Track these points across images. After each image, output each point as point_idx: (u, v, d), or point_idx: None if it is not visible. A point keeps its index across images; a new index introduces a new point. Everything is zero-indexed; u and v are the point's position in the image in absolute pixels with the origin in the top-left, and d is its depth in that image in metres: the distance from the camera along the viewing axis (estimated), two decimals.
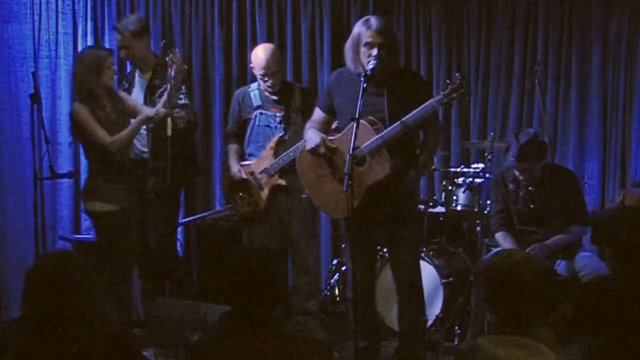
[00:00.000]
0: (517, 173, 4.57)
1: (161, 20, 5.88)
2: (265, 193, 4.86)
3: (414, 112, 3.91)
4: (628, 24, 5.82)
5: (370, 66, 3.93)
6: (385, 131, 3.93)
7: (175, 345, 4.01)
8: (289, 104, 4.85)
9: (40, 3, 5.72)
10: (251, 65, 4.91)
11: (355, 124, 3.81)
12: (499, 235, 4.70)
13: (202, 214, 5.46)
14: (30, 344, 2.39)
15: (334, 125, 4.34)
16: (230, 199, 5.09)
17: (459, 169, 5.52)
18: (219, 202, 5.95)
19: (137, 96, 4.95)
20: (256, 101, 4.90)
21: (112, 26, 5.32)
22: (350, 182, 3.72)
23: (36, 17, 5.72)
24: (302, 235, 4.88)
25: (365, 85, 3.86)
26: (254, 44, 5.95)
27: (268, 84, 4.80)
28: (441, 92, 3.93)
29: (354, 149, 3.86)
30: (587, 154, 5.90)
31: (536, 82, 5.56)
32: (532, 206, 4.62)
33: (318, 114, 4.26)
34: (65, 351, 2.38)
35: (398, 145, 3.96)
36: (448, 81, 3.96)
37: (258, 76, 4.84)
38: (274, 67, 4.77)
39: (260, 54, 4.80)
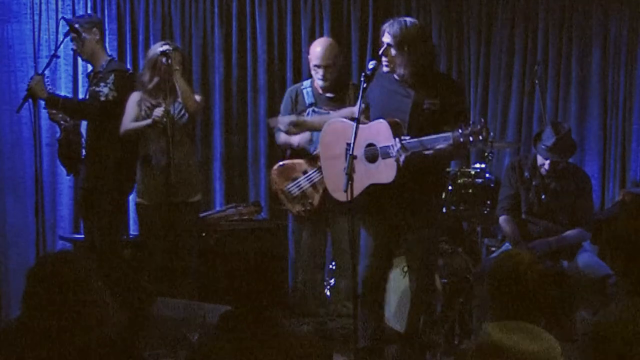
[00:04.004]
0: (540, 162, 4.57)
1: (161, 20, 5.87)
2: (319, 193, 4.79)
3: (428, 138, 3.83)
4: (628, 24, 5.83)
5: (371, 66, 3.97)
6: (415, 140, 3.86)
7: (175, 345, 4.01)
8: (342, 102, 4.81)
9: (40, 3, 5.72)
10: (308, 56, 4.95)
11: (355, 124, 3.81)
12: (502, 219, 4.71)
13: (202, 214, 5.45)
14: (30, 344, 2.39)
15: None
16: (281, 200, 4.97)
17: (459, 169, 5.52)
18: (219, 202, 5.95)
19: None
20: (309, 99, 4.90)
21: (66, 20, 5.31)
22: (350, 183, 3.73)
23: (36, 17, 5.71)
24: (346, 239, 4.84)
25: (365, 85, 3.88)
26: (254, 44, 5.97)
27: (319, 75, 4.81)
28: (460, 130, 3.78)
29: (370, 145, 3.92)
30: (587, 154, 5.91)
31: (536, 82, 5.57)
32: (543, 197, 4.64)
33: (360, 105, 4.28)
34: (66, 352, 2.38)
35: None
36: (472, 122, 3.89)
37: (312, 67, 4.87)
38: (327, 60, 4.78)
39: (317, 46, 4.87)
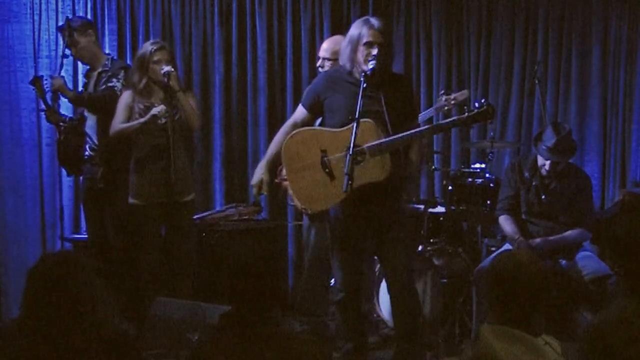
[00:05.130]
0: (541, 163, 4.58)
1: (161, 20, 5.87)
2: None
3: (447, 121, 3.94)
4: (628, 24, 5.83)
5: (371, 66, 3.92)
6: (403, 134, 3.89)
7: (175, 345, 4.01)
8: None
9: (40, 3, 5.72)
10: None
11: (355, 124, 3.80)
12: (502, 219, 4.72)
13: (202, 214, 5.46)
14: (30, 344, 2.39)
15: (317, 122, 4.33)
16: (291, 195, 4.99)
17: (459, 169, 5.51)
18: (219, 202, 5.96)
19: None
20: None
21: (57, 28, 5.33)
22: (350, 183, 3.72)
23: (36, 17, 5.71)
24: None
25: (365, 85, 3.86)
26: (254, 44, 5.98)
27: (319, 69, 4.83)
28: (465, 112, 3.88)
29: (355, 146, 3.87)
30: (587, 154, 5.91)
31: (536, 82, 5.57)
32: (543, 197, 4.64)
33: (301, 111, 4.23)
34: (65, 352, 2.38)
35: (398, 150, 3.96)
36: (477, 104, 3.95)
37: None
38: (325, 52, 4.81)
39: (324, 42, 4.91)
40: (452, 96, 5.09)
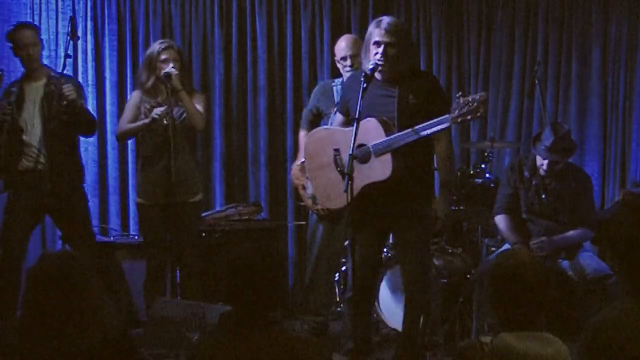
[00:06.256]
0: (539, 163, 4.58)
1: (161, 20, 5.88)
2: None
3: (428, 123, 3.87)
4: (628, 24, 5.83)
5: (371, 66, 3.94)
6: (395, 135, 3.91)
7: (175, 345, 4.01)
8: None
9: (40, 3, 5.73)
10: (335, 57, 4.98)
11: (355, 124, 3.80)
12: (499, 218, 4.72)
13: (202, 214, 5.45)
14: (30, 344, 2.39)
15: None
16: (302, 195, 4.94)
17: (459, 169, 5.51)
18: (219, 202, 5.96)
19: (31, 104, 4.75)
20: (338, 97, 4.85)
21: (23, 23, 5.07)
22: (350, 182, 3.72)
23: (36, 17, 5.72)
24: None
25: (365, 85, 3.85)
26: (254, 44, 5.98)
27: (347, 67, 4.81)
28: (457, 110, 3.87)
29: (360, 145, 3.87)
30: (587, 154, 5.91)
31: (536, 82, 5.56)
32: (543, 197, 4.64)
33: (338, 117, 4.30)
34: (65, 352, 2.38)
35: (411, 147, 3.94)
36: (470, 99, 3.91)
37: (339, 62, 4.89)
38: (352, 51, 4.81)
39: (342, 41, 4.92)
40: (470, 98, 5.04)
